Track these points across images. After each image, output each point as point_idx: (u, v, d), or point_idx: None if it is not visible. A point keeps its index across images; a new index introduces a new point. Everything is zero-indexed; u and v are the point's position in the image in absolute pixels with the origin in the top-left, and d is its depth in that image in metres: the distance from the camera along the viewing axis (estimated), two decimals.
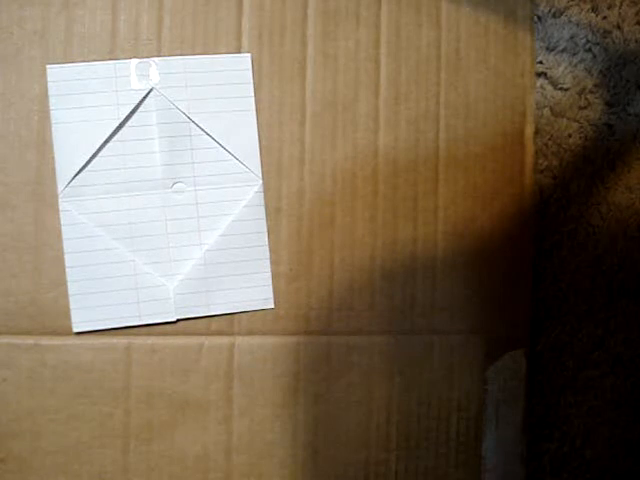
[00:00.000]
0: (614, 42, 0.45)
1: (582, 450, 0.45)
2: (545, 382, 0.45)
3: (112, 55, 0.38)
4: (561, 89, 0.45)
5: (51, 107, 0.37)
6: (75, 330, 0.37)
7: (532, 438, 0.45)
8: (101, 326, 0.37)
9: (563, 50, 0.45)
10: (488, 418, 0.40)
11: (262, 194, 0.39)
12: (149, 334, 0.38)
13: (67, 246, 0.37)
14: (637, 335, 0.46)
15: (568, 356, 0.45)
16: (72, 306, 0.37)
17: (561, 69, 0.45)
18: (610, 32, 0.45)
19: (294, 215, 0.39)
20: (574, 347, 0.45)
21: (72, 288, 0.37)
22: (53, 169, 0.37)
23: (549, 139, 0.45)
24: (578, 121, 0.45)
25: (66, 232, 0.37)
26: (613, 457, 0.46)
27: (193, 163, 0.38)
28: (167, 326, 0.38)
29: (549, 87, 0.45)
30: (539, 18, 0.44)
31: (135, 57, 0.38)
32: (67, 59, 0.37)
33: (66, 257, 0.37)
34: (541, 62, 0.45)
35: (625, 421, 0.46)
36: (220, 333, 0.38)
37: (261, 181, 0.39)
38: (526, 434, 0.41)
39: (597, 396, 0.45)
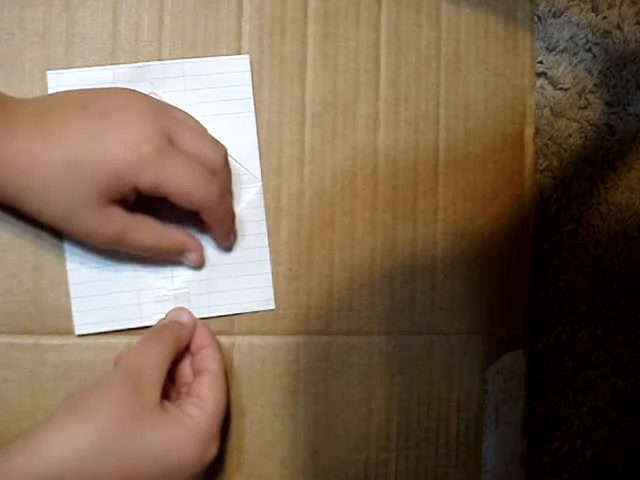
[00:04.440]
0: (614, 42, 0.45)
1: (582, 450, 0.45)
2: (545, 382, 0.45)
3: (113, 56, 0.38)
4: (561, 89, 0.45)
5: None
6: (78, 333, 0.37)
7: (532, 438, 0.45)
8: (103, 328, 0.37)
9: (563, 50, 0.45)
10: (488, 418, 0.40)
11: (262, 196, 0.39)
12: None
13: (68, 248, 0.37)
14: (637, 335, 0.46)
15: (568, 356, 0.45)
16: (74, 309, 0.37)
17: (561, 69, 0.45)
18: (610, 32, 0.45)
19: (294, 215, 0.39)
20: (574, 347, 0.45)
21: (74, 291, 0.37)
22: None
23: (549, 139, 0.45)
24: (578, 121, 0.45)
25: None
26: (613, 457, 0.46)
27: None
28: None
29: (549, 87, 0.45)
30: (539, 18, 0.44)
31: (136, 58, 0.38)
32: (68, 60, 0.37)
33: (67, 259, 0.37)
34: (541, 62, 0.45)
35: (625, 421, 0.46)
36: (220, 333, 0.38)
37: (261, 183, 0.39)
38: (526, 434, 0.41)
39: (597, 396, 0.45)
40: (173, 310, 0.37)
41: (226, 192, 0.36)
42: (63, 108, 0.33)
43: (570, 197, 0.45)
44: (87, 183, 0.32)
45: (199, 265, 0.38)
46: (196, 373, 0.35)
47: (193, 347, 0.36)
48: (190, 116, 0.37)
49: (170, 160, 0.33)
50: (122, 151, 0.32)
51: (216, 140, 0.36)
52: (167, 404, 0.33)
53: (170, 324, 0.36)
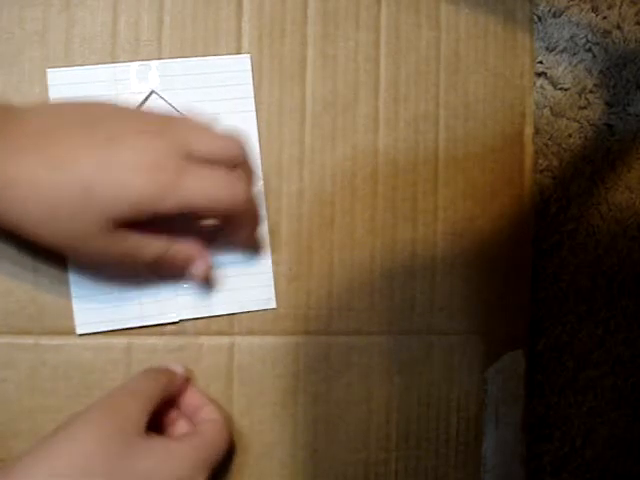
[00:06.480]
0: (614, 42, 0.45)
1: (582, 450, 0.45)
2: (545, 382, 0.45)
3: (112, 56, 0.38)
4: (561, 89, 0.45)
5: None
6: (79, 332, 0.37)
7: (532, 438, 0.45)
8: (104, 328, 0.37)
9: (563, 50, 0.45)
10: (488, 418, 0.41)
11: (262, 195, 0.39)
12: (149, 334, 0.38)
13: None
14: (637, 335, 0.46)
15: (568, 356, 0.45)
16: (75, 308, 0.37)
17: (561, 69, 0.45)
18: (610, 32, 0.45)
19: (294, 215, 0.39)
20: (574, 347, 0.45)
21: (75, 290, 0.37)
22: None
23: (549, 139, 0.45)
24: (578, 121, 0.45)
25: None
26: (613, 457, 0.46)
27: None
28: (167, 326, 0.38)
29: (549, 87, 0.45)
30: (539, 18, 0.44)
31: (135, 58, 0.38)
32: (68, 60, 0.37)
33: (68, 260, 0.37)
34: (541, 62, 0.45)
35: (625, 421, 0.46)
36: (220, 333, 0.38)
37: (261, 182, 0.39)
38: (526, 434, 0.41)
39: (597, 396, 0.45)
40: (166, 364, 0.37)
41: (251, 187, 0.35)
42: (67, 128, 0.31)
43: (570, 197, 0.45)
44: (100, 211, 0.30)
45: (206, 277, 0.36)
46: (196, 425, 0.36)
47: (189, 409, 0.36)
48: (192, 116, 0.35)
49: (190, 178, 0.31)
50: (139, 181, 0.30)
51: (227, 132, 0.34)
52: (154, 435, 0.32)
53: (160, 368, 0.36)
